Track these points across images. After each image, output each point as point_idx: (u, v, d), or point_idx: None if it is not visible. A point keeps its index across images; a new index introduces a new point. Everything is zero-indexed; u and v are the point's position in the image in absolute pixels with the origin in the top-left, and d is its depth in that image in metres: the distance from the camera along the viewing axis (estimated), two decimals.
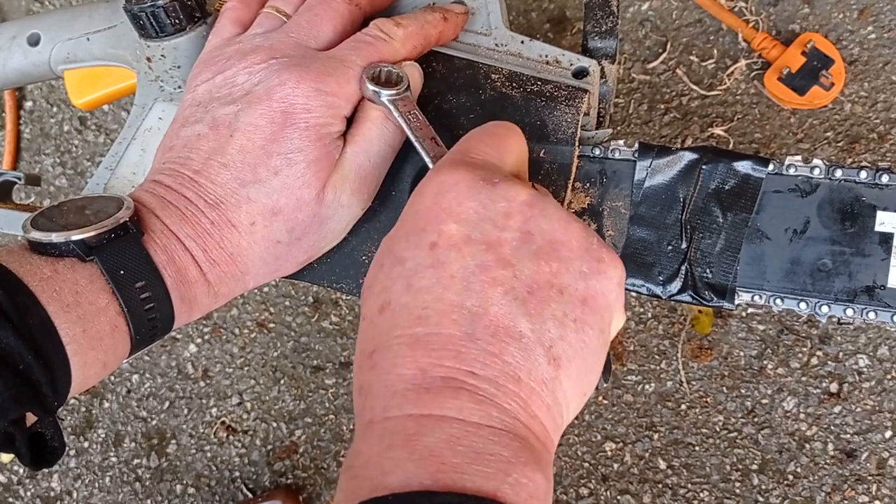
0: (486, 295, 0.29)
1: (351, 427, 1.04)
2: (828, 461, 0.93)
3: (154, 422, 1.10)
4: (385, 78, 0.39)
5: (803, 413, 0.94)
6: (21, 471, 1.14)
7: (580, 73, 0.42)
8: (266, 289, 1.08)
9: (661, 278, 0.43)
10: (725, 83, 0.94)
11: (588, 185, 0.43)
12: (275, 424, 1.07)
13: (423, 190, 0.31)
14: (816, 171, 0.41)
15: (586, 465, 0.98)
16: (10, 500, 1.13)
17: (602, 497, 0.98)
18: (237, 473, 1.07)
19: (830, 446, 0.93)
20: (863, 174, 0.40)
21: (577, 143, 0.40)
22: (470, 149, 0.33)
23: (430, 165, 0.37)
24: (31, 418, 0.33)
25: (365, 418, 0.28)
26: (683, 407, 0.96)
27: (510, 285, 0.29)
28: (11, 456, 1.16)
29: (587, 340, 0.30)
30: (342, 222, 0.41)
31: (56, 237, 0.33)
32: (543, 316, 0.29)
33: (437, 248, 0.29)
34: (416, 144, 0.38)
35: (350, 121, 0.40)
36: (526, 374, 0.28)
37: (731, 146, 0.94)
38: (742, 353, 0.95)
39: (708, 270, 0.42)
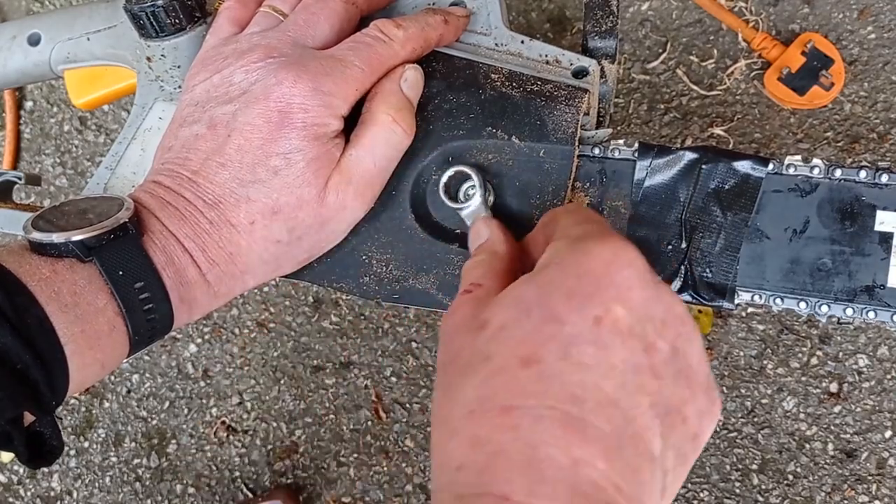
0: (637, 400, 0.27)
1: (351, 427, 1.04)
2: (828, 461, 0.93)
3: (154, 422, 1.10)
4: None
5: (803, 413, 0.93)
6: (21, 471, 1.14)
7: (580, 73, 0.42)
8: (266, 289, 1.08)
9: (660, 278, 0.43)
10: (725, 83, 0.94)
11: (588, 184, 0.43)
12: (275, 424, 1.07)
13: (593, 251, 0.29)
14: (816, 171, 0.41)
15: None
16: (10, 499, 1.13)
17: None
18: (237, 473, 1.07)
19: (830, 446, 0.93)
20: (862, 174, 0.40)
21: (576, 143, 0.40)
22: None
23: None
24: (29, 417, 0.33)
25: (492, 487, 0.25)
26: None
27: (655, 399, 0.27)
28: (12, 456, 1.16)
29: (682, 479, 0.28)
30: (344, 223, 0.40)
31: (56, 237, 0.34)
32: (669, 442, 0.27)
33: (601, 327, 0.27)
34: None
35: (350, 120, 0.40)
36: (648, 502, 0.26)
37: (731, 146, 0.94)
38: (742, 353, 0.95)
39: (708, 270, 0.42)
